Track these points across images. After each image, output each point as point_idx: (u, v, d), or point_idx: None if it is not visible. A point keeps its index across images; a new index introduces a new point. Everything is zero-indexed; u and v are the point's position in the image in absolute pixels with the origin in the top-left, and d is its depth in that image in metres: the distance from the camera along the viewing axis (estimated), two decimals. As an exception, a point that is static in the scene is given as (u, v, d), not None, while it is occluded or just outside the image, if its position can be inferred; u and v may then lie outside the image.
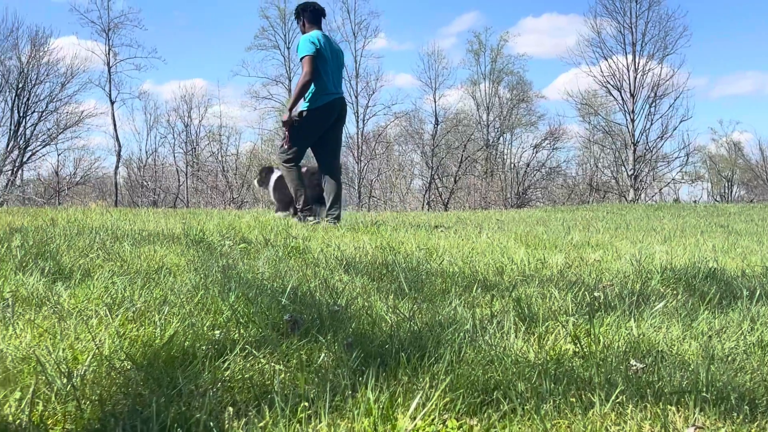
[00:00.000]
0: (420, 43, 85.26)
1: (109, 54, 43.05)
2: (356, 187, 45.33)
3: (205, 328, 2.55)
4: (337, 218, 8.14)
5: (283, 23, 45.75)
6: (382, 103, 65.17)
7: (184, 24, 66.58)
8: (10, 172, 37.48)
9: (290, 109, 8.08)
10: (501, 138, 49.02)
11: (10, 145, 37.15)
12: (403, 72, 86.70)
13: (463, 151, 46.19)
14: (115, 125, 43.01)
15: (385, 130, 48.22)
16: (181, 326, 2.52)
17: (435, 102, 46.83)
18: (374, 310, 2.92)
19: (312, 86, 8.08)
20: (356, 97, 45.48)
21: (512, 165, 48.53)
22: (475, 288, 3.48)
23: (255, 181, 10.34)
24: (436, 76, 47.38)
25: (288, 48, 46.11)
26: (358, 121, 45.67)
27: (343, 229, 6.89)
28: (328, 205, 8.27)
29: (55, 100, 39.20)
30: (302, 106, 8.17)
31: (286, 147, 8.21)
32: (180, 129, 48.46)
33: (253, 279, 3.59)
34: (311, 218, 7.98)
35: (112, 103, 42.87)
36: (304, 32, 8.44)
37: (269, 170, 9.97)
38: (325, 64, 8.16)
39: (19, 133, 37.66)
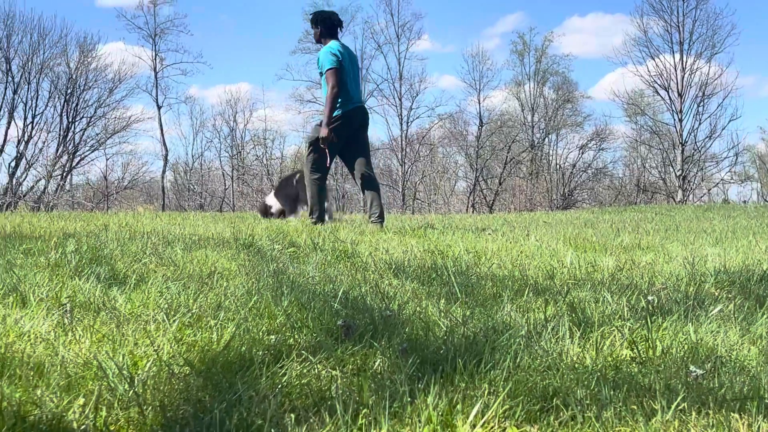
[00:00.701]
0: (464, 45, 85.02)
1: (155, 59, 43.59)
2: (400, 190, 45.31)
3: (261, 334, 2.57)
4: (380, 217, 8.21)
5: (326, 26, 45.90)
6: (425, 105, 65.18)
7: (230, 29, 67.10)
8: (59, 176, 37.98)
9: (327, 124, 8.16)
10: (546, 139, 48.74)
11: (60, 150, 37.64)
12: (447, 73, 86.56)
13: (508, 152, 46.02)
14: (162, 130, 43.56)
15: (429, 132, 48.19)
16: (237, 331, 2.54)
17: (479, 103, 46.72)
18: (427, 315, 2.91)
19: None
20: (400, 99, 45.54)
21: (558, 166, 48.24)
22: (526, 292, 3.46)
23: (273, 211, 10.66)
24: (480, 78, 47.26)
25: (332, 51, 46.22)
26: (401, 124, 45.70)
27: (390, 233, 6.90)
28: (369, 207, 8.36)
29: (103, 105, 39.66)
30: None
31: (330, 162, 8.31)
32: (225, 133, 48.91)
33: (304, 283, 3.60)
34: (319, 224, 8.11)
35: (159, 107, 43.41)
36: (318, 41, 8.61)
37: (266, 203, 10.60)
38: (346, 75, 8.31)
39: (68, 139, 38.14)
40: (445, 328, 2.70)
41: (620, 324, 2.81)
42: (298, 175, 10.29)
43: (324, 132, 8.16)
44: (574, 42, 70.69)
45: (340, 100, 8.23)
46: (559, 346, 2.50)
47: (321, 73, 8.29)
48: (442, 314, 2.95)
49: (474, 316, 2.90)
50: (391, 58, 51.38)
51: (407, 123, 45.96)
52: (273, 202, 10.67)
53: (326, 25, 8.55)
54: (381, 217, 8.24)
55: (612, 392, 2.03)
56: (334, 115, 8.18)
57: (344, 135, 8.35)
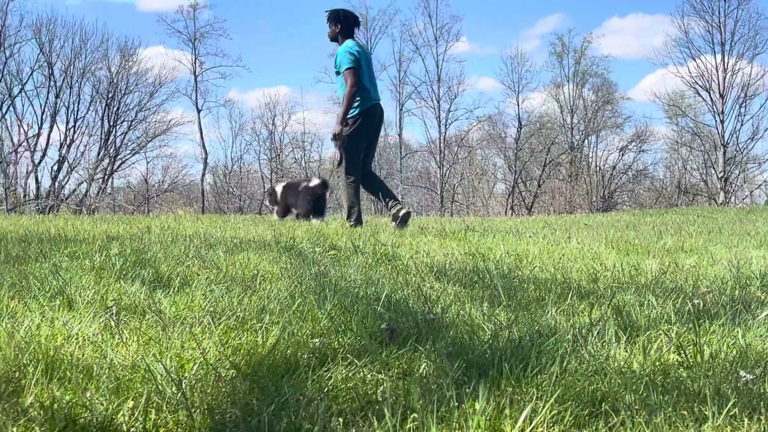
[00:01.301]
0: (502, 47, 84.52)
1: (195, 63, 43.90)
2: (438, 192, 45.26)
3: (305, 337, 2.58)
4: (403, 205, 8.37)
5: (365, 29, 45.94)
6: (464, 107, 64.98)
7: (268, 32, 67.38)
8: (101, 179, 38.34)
9: (341, 122, 8.32)
10: (586, 141, 48.36)
11: (101, 153, 38.01)
12: (485, 75, 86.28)
13: (547, 154, 45.77)
14: (201, 133, 43.83)
15: (468, 135, 48.09)
16: (282, 335, 2.55)
17: (518, 105, 46.51)
18: (471, 319, 2.90)
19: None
20: (438, 102, 45.45)
21: (597, 168, 47.84)
22: (570, 295, 3.44)
23: (267, 202, 10.85)
24: (519, 79, 47.03)
25: (371, 54, 46.31)
26: (440, 126, 45.61)
27: (430, 236, 6.89)
28: (389, 202, 8.45)
29: (144, 109, 39.98)
30: (349, 113, 8.42)
31: (341, 160, 8.39)
32: (264, 136, 49.10)
33: (347, 286, 3.61)
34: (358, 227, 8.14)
35: (199, 111, 43.69)
36: (333, 38, 8.77)
37: (274, 188, 10.73)
38: (364, 73, 8.46)
39: (109, 142, 38.49)
40: (489, 332, 2.69)
41: (666, 328, 2.79)
42: (303, 184, 10.43)
43: (337, 129, 8.34)
44: (614, 43, 70.11)
45: (358, 98, 8.38)
46: (606, 350, 2.48)
47: (338, 72, 8.42)
48: (486, 318, 2.94)
49: (518, 320, 2.88)
50: (429, 61, 51.45)
51: (445, 125, 45.91)
52: (278, 201, 10.75)
53: (346, 24, 8.69)
54: (400, 203, 8.42)
55: (661, 397, 2.00)
56: (354, 113, 8.33)
57: (368, 131, 8.53)
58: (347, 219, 8.37)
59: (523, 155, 46.47)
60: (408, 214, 8.33)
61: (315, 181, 10.19)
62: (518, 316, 2.96)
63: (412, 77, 47.73)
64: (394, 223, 8.20)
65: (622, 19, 69.29)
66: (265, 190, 10.92)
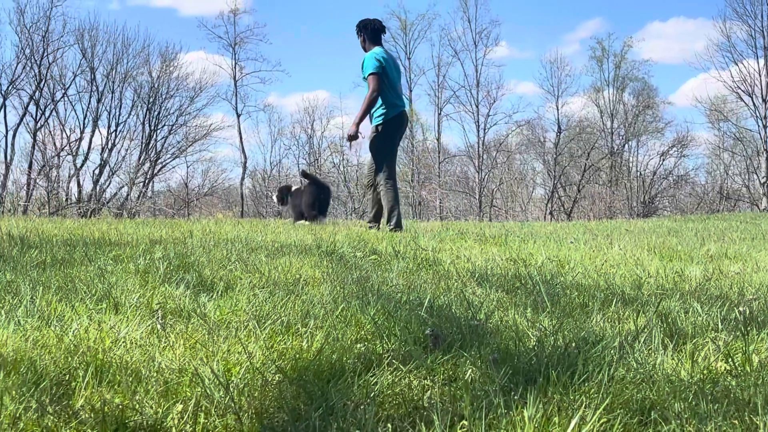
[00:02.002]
0: (542, 51, 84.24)
1: (235, 68, 44.23)
2: (477, 197, 45.13)
3: (349, 342, 2.58)
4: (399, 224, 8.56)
5: (404, 33, 46.04)
6: (503, 111, 64.32)
7: (308, 37, 67.62)
8: (142, 183, 38.64)
9: (357, 124, 8.51)
10: (626, 146, 47.99)
11: (142, 157, 38.28)
12: (524, 80, 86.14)
13: (587, 159, 45.47)
14: (241, 137, 44.11)
15: (507, 139, 47.93)
16: (327, 339, 2.56)
17: (557, 110, 46.28)
18: (515, 325, 2.89)
19: (380, 101, 8.52)
20: (477, 106, 45.36)
21: (638, 173, 47.44)
22: (614, 302, 3.42)
23: (275, 198, 11.39)
24: (558, 84, 46.80)
25: (409, 59, 46.35)
26: (478, 131, 45.49)
27: (470, 240, 6.88)
28: (373, 221, 8.79)
29: (185, 113, 40.11)
30: (376, 120, 8.61)
31: (375, 167, 8.53)
32: (303, 141, 49.32)
33: (389, 291, 3.61)
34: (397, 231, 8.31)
35: (238, 116, 43.98)
36: (364, 48, 8.86)
37: (287, 189, 11.17)
38: (390, 80, 8.58)
39: (150, 146, 38.72)
40: (534, 339, 2.68)
41: (713, 335, 2.76)
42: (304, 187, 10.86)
43: (352, 129, 8.54)
44: (655, 47, 69.75)
45: (385, 105, 8.52)
46: (653, 357, 2.46)
47: (364, 78, 8.50)
48: (530, 324, 2.93)
49: (563, 327, 2.87)
50: (468, 65, 51.38)
51: (484, 130, 45.79)
52: (289, 205, 11.06)
53: (368, 31, 8.80)
54: (399, 226, 8.58)
55: (711, 406, 1.98)
56: (381, 121, 8.46)
57: (397, 137, 8.73)
58: (387, 223, 8.42)
59: (563, 160, 46.21)
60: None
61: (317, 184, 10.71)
62: (563, 322, 2.95)
63: (450, 81, 47.75)
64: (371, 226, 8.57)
65: (663, 23, 68.52)
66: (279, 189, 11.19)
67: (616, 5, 64.59)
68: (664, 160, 47.00)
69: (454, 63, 48.36)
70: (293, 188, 11.05)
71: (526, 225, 14.39)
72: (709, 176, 50.11)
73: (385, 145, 8.56)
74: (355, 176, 47.62)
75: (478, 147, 45.62)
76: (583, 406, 1.93)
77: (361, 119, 8.51)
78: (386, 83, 8.47)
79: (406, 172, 45.95)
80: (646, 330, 2.75)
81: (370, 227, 8.56)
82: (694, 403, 2.01)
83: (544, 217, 43.82)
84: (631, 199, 45.26)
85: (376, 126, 8.54)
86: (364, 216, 9.08)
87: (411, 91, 46.38)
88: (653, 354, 2.50)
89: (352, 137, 8.64)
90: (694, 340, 2.68)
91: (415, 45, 45.98)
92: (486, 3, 59.92)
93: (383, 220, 8.56)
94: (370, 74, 8.38)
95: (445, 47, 55.29)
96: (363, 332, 2.76)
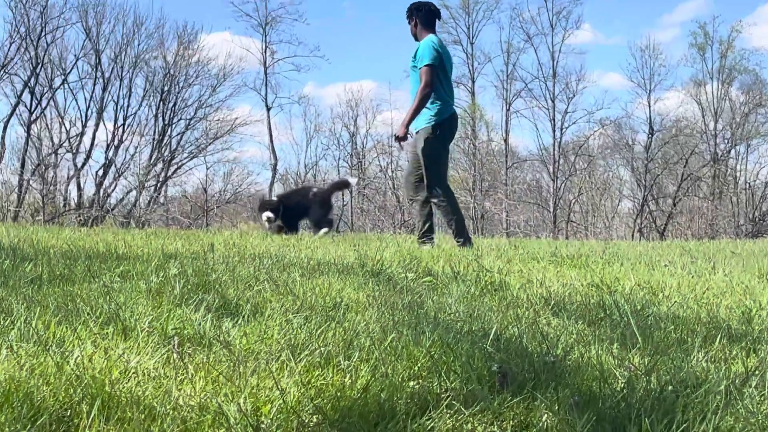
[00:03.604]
0: (632, 36, 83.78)
1: (265, 52, 44.36)
2: (551, 210, 44.84)
3: (400, 378, 2.59)
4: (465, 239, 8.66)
5: (466, 14, 46.04)
6: (584, 108, 64.18)
7: (352, 16, 67.78)
8: (153, 187, 38.68)
9: (407, 124, 8.52)
10: (732, 151, 47.44)
11: (154, 156, 38.36)
12: (610, 71, 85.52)
13: (685, 166, 45.03)
14: (271, 135, 44.12)
15: (588, 141, 47.62)
16: (374, 375, 2.57)
17: (649, 107, 45.88)
18: (600, 363, 2.88)
19: (432, 97, 8.56)
20: (553, 101, 45.14)
21: (747, 184, 46.88)
22: (718, 338, 3.39)
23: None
24: (650, 76, 46.39)
25: (471, 43, 46.33)
26: (554, 130, 45.26)
27: (543, 261, 6.85)
28: (426, 236, 8.82)
29: (205, 105, 40.14)
30: (427, 121, 8.62)
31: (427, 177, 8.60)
32: (345, 139, 49.27)
33: (447, 320, 3.61)
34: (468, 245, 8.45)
35: (269, 109, 44.07)
36: (415, 34, 8.92)
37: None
38: (444, 74, 8.68)
39: (163, 144, 38.85)
40: (623, 380, 2.66)
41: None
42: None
43: (401, 131, 8.56)
44: (769, 33, 68.82)
45: (439, 103, 8.59)
46: (766, 405, 2.44)
47: (415, 66, 8.51)
48: (618, 362, 2.92)
49: (657, 366, 2.85)
50: (543, 52, 50.91)
51: (561, 129, 45.53)
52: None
53: (422, 14, 8.81)
54: (469, 241, 8.72)
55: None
56: (434, 122, 8.47)
57: (449, 141, 8.86)
58: (456, 238, 8.47)
59: (655, 167, 45.79)
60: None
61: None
62: (657, 361, 2.93)
63: (522, 71, 47.58)
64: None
65: (780, 3, 67.90)
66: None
67: (722, -18, 64.03)
68: (779, 168, 46.46)
69: (526, 49, 48.04)
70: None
71: (610, 244, 14.30)
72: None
73: (440, 151, 8.59)
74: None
75: (554, 150, 45.40)
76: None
77: (412, 118, 8.55)
78: (441, 78, 8.50)
79: (467, 178, 45.83)
80: (758, 372, 2.73)
81: (423, 243, 8.57)
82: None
83: (632, 235, 43.48)
84: (738, 216, 44.72)
85: (431, 127, 8.55)
86: (415, 230, 9.11)
87: (473, 81, 46.40)
88: (767, 401, 2.48)
89: (401, 139, 8.67)
90: (818, 386, 2.65)
91: (479, 27, 46.03)
92: (566, -23, 59.74)
93: (452, 236, 8.64)
94: (426, 65, 8.39)
95: (516, 30, 55.37)
96: (417, 367, 2.76)
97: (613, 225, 48.05)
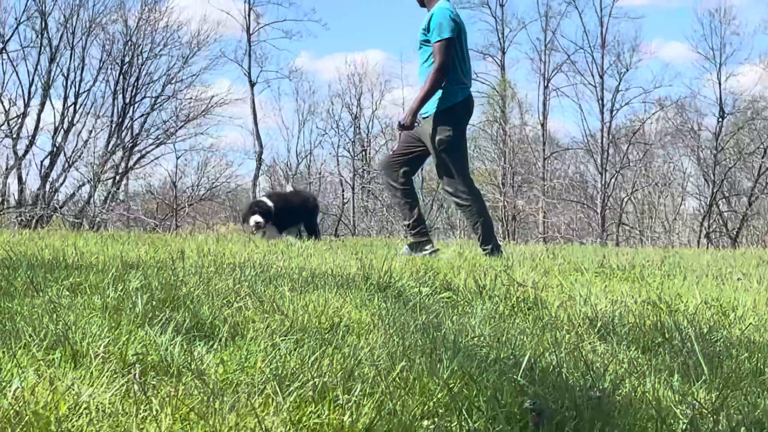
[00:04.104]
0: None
1: (249, 16, 44.39)
2: (599, 210, 44.72)
3: (411, 417, 2.59)
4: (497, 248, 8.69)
5: (494, -30, 45.99)
6: (639, 85, 64.00)
7: (354, -27, 67.76)
8: (111, 180, 38.48)
9: (416, 110, 8.41)
10: (823, 139, 47.40)
11: (112, 143, 37.94)
12: (672, 39, 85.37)
13: (763, 157, 45.00)
14: (255, 117, 44.12)
15: (643, 126, 47.56)
16: (379, 412, 2.57)
17: (719, 84, 45.78)
18: (656, 399, 2.88)
19: (448, 78, 8.57)
20: (601, 77, 45.12)
21: (841, 180, 46.83)
22: (804, 369, 3.40)
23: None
24: (721, 46, 46.24)
25: (501, 5, 46.35)
26: (602, 112, 45.21)
27: (588, 273, 6.86)
28: (416, 231, 8.91)
29: (175, 81, 39.78)
30: (438, 106, 8.60)
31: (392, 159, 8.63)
32: (346, 123, 49.18)
33: (470, 345, 3.62)
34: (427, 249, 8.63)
35: (253, 85, 44.10)
36: (422, 2, 8.95)
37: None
38: (460, 49, 8.70)
39: (124, 127, 38.46)
40: (685, 420, 2.67)
41: None
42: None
43: (407, 117, 8.60)
44: None
45: (455, 81, 8.60)
46: None
47: (426, 40, 8.45)
48: (679, 398, 2.92)
49: (726, 403, 2.85)
50: (590, 17, 51.42)
51: (611, 112, 45.48)
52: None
53: None
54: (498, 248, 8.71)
55: None
56: (450, 104, 8.42)
57: (465, 127, 8.92)
58: (481, 245, 8.47)
59: (726, 158, 45.75)
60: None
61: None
62: (727, 396, 2.93)
63: (563, 40, 47.60)
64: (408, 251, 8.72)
65: None
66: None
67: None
68: None
69: (569, 13, 48.03)
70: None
71: (670, 252, 14.30)
72: None
73: (459, 140, 8.56)
74: (420, 175, 47.30)
75: (602, 137, 45.33)
76: None
77: (422, 103, 8.55)
78: (457, 54, 8.48)
79: (494, 171, 45.81)
80: None
81: (420, 244, 8.60)
82: None
83: (698, 241, 43.45)
84: (830, 218, 44.68)
85: (443, 112, 8.59)
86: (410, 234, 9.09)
87: (503, 53, 46.43)
88: None
89: (406, 127, 8.57)
90: None
91: (512, -14, 46.00)
92: (617, -75, 59.64)
93: (477, 242, 8.66)
94: (443, 40, 8.38)
95: (557, -11, 55.31)
96: (432, 403, 2.77)
97: (674, 229, 48.01)
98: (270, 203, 12.28)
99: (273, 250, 7.93)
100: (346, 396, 2.73)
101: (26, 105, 36.54)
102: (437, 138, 8.54)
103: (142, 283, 4.75)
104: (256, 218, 11.89)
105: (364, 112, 49.14)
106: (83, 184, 37.92)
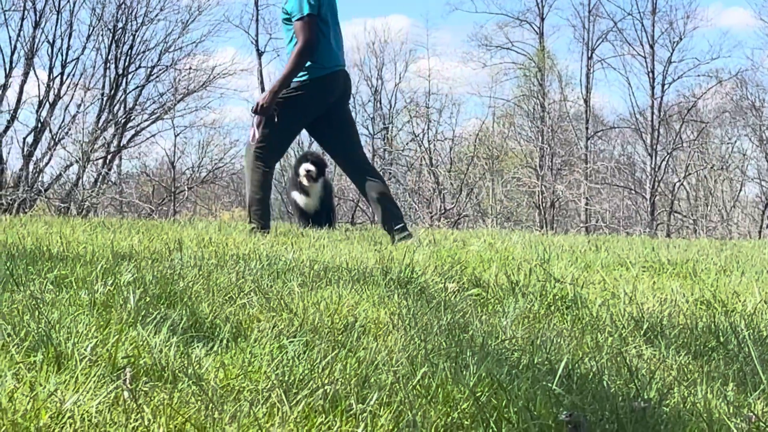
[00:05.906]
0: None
1: (256, -26, 44.19)
2: (648, 195, 44.56)
3: (435, 429, 2.60)
4: (405, 228, 8.88)
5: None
6: (694, 57, 63.72)
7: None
8: (102, 160, 38.39)
9: (276, 91, 8.48)
10: None
11: (104, 118, 37.75)
12: (732, 5, 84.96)
13: (833, 138, 44.89)
14: (263, 90, 43.43)
15: (699, 103, 47.38)
16: (397, 424, 2.58)
17: (785, 55, 45.68)
18: (708, 410, 2.88)
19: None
20: (651, 47, 44.92)
21: None
22: None
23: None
24: (788, 12, 46.16)
25: (540, -34, 46.13)
26: (653, 87, 45.01)
27: (634, 269, 6.84)
28: (385, 217, 9.00)
29: (173, 49, 39.66)
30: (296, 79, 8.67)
31: (257, 137, 8.68)
32: (365, 96, 49.02)
33: (500, 349, 3.62)
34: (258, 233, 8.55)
35: (260, 54, 44.01)
36: None
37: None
38: (325, 24, 8.78)
39: (116, 101, 38.33)
40: (740, 434, 2.67)
41: None
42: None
43: (267, 98, 8.62)
44: None
45: (317, 58, 8.66)
46: None
47: (288, 19, 8.54)
48: (734, 409, 2.91)
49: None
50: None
51: (663, 86, 45.30)
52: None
53: None
54: (406, 229, 8.89)
55: None
56: (302, 79, 8.60)
57: (313, 110, 8.89)
58: (250, 220, 8.58)
59: (792, 139, 45.64)
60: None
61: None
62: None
63: (609, 5, 47.68)
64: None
65: None
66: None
67: None
68: None
69: (616, -26, 47.99)
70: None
71: (728, 245, 14.27)
72: None
73: (288, 116, 8.62)
74: (449, 157, 47.05)
75: (652, 114, 45.14)
76: None
77: (285, 84, 8.65)
78: (322, 27, 8.66)
79: (531, 152, 45.65)
80: None
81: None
82: None
83: (759, 232, 43.32)
84: None
85: (296, 86, 8.68)
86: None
87: (542, 19, 46.30)
88: None
89: (264, 110, 8.55)
90: None
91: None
92: None
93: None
94: (303, 17, 8.51)
95: (603, -53, 55.10)
96: (456, 414, 2.77)
97: (732, 218, 47.87)
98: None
99: (281, 241, 7.93)
100: (360, 405, 2.73)
101: (7, 75, 36.24)
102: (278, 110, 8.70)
103: (135, 276, 4.75)
104: (308, 166, 11.76)
105: (386, 85, 48.96)
106: (71, 165, 37.57)
